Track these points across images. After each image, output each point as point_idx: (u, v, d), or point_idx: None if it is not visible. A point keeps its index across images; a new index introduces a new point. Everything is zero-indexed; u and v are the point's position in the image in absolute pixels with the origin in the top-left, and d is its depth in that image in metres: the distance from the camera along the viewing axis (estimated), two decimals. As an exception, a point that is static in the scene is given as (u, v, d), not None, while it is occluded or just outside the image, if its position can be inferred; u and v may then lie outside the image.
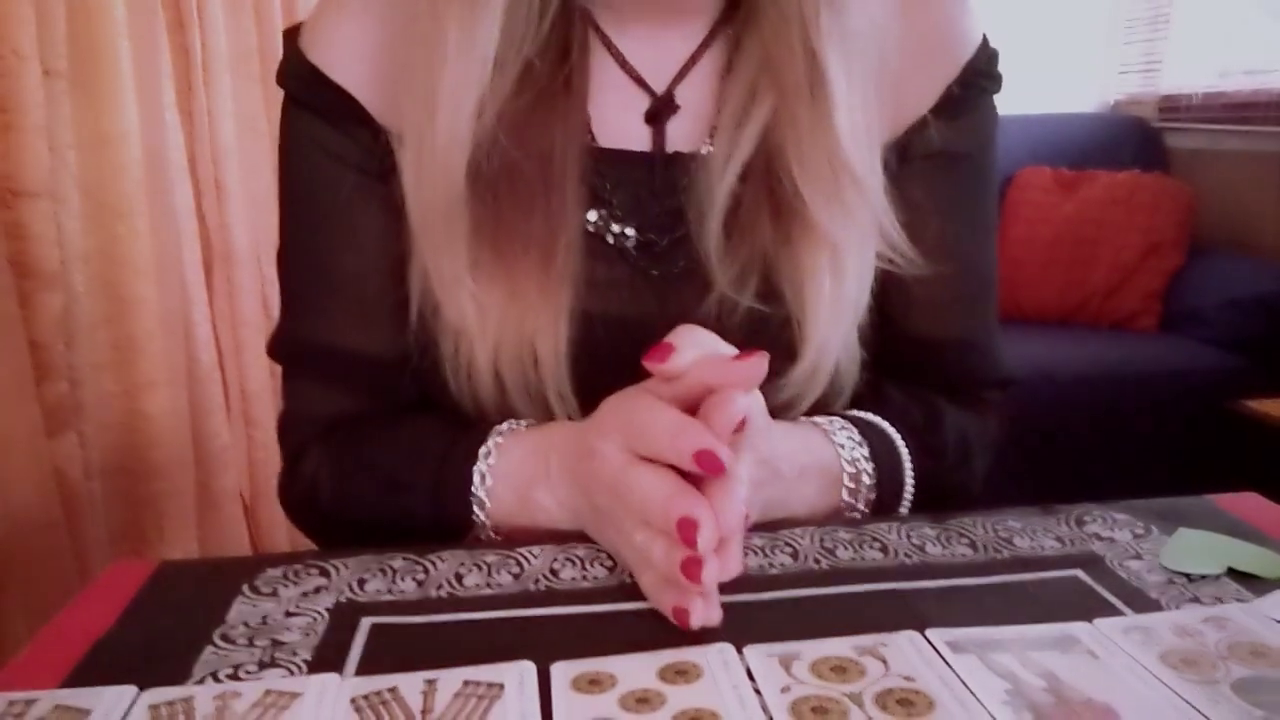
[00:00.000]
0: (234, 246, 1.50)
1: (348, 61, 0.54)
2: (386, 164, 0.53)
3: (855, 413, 0.56)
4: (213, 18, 1.43)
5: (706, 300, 0.53)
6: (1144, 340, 2.11)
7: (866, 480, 0.52)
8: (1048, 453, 1.83)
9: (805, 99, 0.51)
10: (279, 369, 0.60)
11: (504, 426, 0.52)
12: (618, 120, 0.55)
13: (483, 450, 0.51)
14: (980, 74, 0.58)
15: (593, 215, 0.54)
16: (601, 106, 0.55)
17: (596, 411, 0.46)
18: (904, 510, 0.54)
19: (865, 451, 0.53)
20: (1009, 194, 2.33)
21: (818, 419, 0.55)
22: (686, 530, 0.38)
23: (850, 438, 0.53)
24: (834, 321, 0.54)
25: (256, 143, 1.53)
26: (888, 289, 0.58)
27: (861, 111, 0.52)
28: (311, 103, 0.55)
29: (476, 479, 0.50)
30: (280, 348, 0.59)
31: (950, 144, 0.57)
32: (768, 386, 0.53)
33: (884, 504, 0.53)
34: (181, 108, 1.41)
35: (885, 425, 0.55)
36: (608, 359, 0.52)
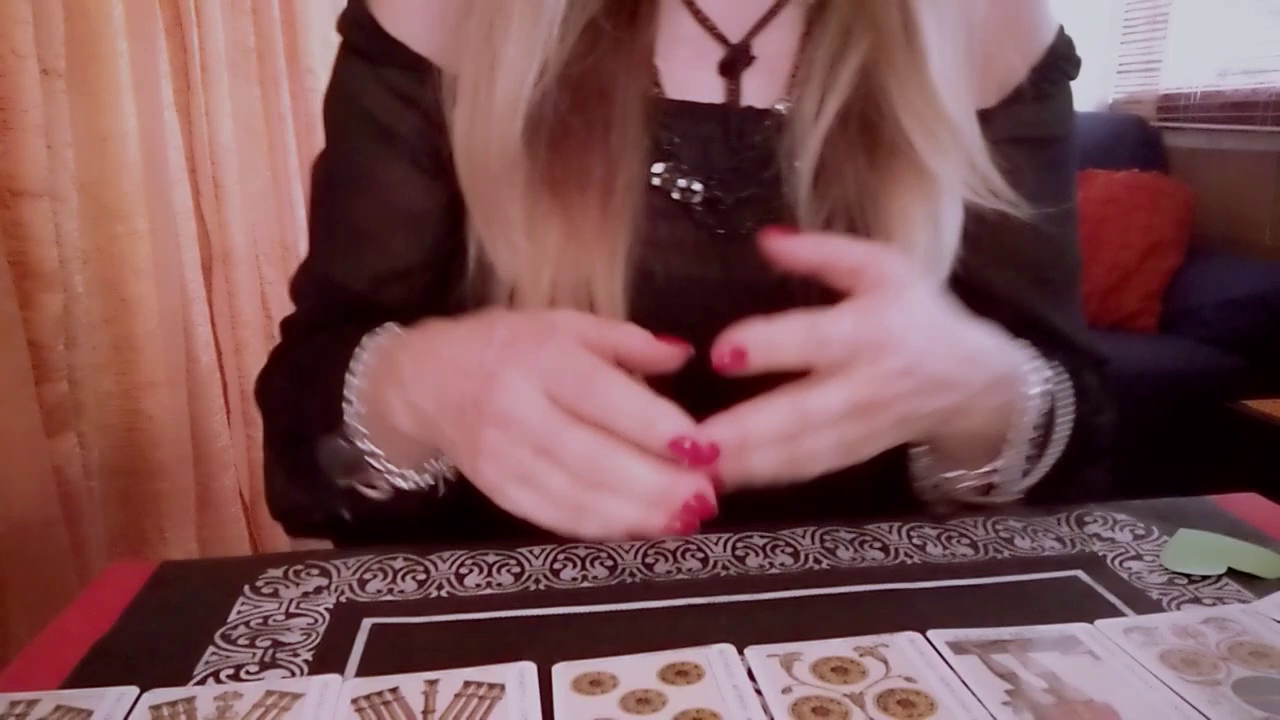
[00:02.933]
0: (233, 246, 1.50)
1: (408, 15, 0.53)
2: (433, 120, 0.52)
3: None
4: (211, 17, 1.43)
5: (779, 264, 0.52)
6: (1143, 340, 2.11)
7: (1037, 416, 0.48)
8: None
9: (901, 43, 0.51)
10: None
11: (373, 341, 0.50)
12: (689, 73, 0.55)
13: (357, 350, 0.49)
14: (1063, 56, 0.58)
15: (659, 168, 0.53)
16: (672, 59, 0.54)
17: (489, 322, 0.45)
18: (1052, 452, 0.50)
19: (1045, 376, 0.49)
20: (1008, 193, 2.33)
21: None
22: (683, 449, 0.40)
23: (1037, 364, 0.49)
24: (929, 269, 0.52)
25: (255, 142, 1.53)
26: (979, 271, 0.57)
27: (954, 64, 0.52)
28: (361, 47, 0.55)
29: (349, 378, 0.48)
30: (298, 285, 0.59)
31: (1041, 128, 0.57)
32: None
33: (1039, 447, 0.50)
34: (180, 107, 1.41)
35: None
36: (671, 321, 0.50)
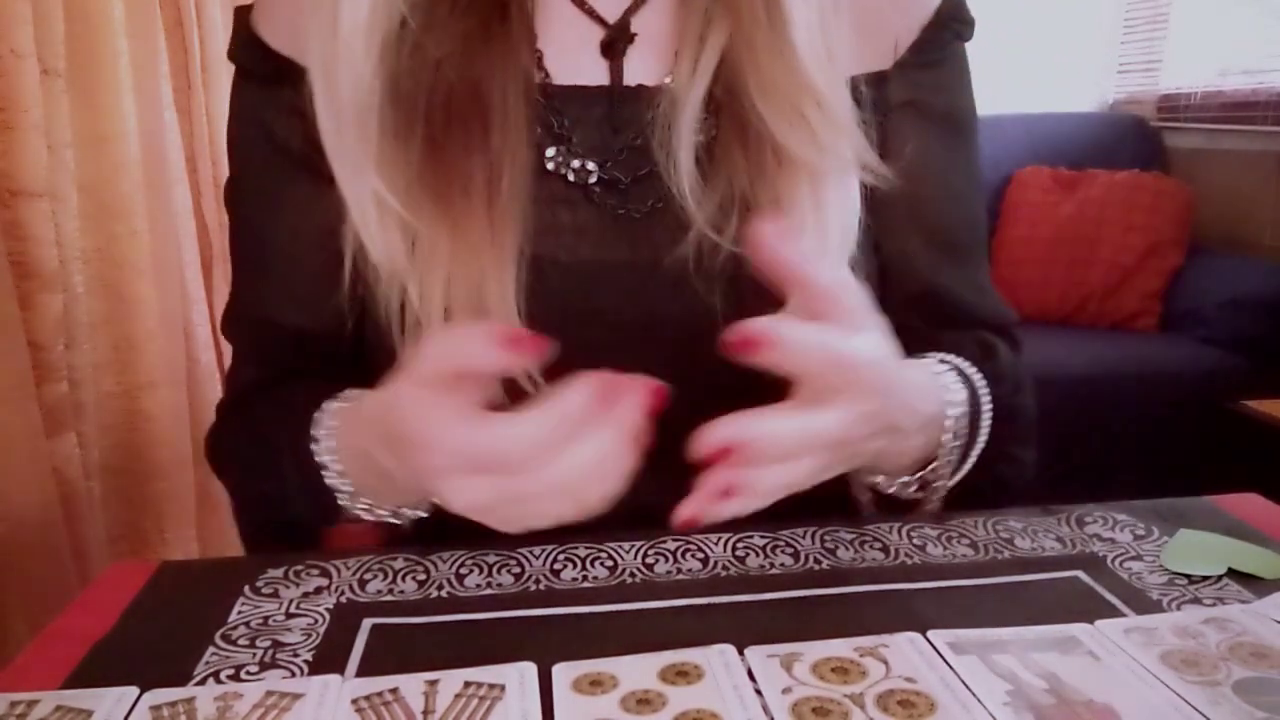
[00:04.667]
0: (233, 246, 1.50)
1: (288, 29, 0.53)
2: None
3: (938, 355, 0.54)
4: (211, 17, 1.43)
5: (683, 242, 0.51)
6: (1144, 340, 2.11)
7: (960, 425, 0.50)
8: (1048, 453, 1.83)
9: (761, 21, 0.50)
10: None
11: (332, 405, 0.49)
12: (572, 56, 0.54)
13: (318, 433, 0.48)
14: (952, 17, 0.57)
15: (551, 152, 0.53)
16: (554, 43, 0.54)
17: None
18: (979, 445, 0.51)
19: (961, 397, 0.50)
20: (1008, 194, 2.33)
21: (923, 362, 0.52)
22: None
23: (952, 382, 0.50)
24: (820, 251, 0.51)
25: (256, 142, 1.53)
26: (888, 244, 0.57)
27: (821, 34, 0.51)
28: (252, 69, 0.55)
29: (327, 460, 0.48)
30: (228, 326, 0.59)
31: (935, 91, 0.57)
32: None
33: (964, 446, 0.51)
34: (180, 107, 1.41)
35: (963, 363, 0.52)
36: (580, 308, 0.50)
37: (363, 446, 0.46)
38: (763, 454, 0.39)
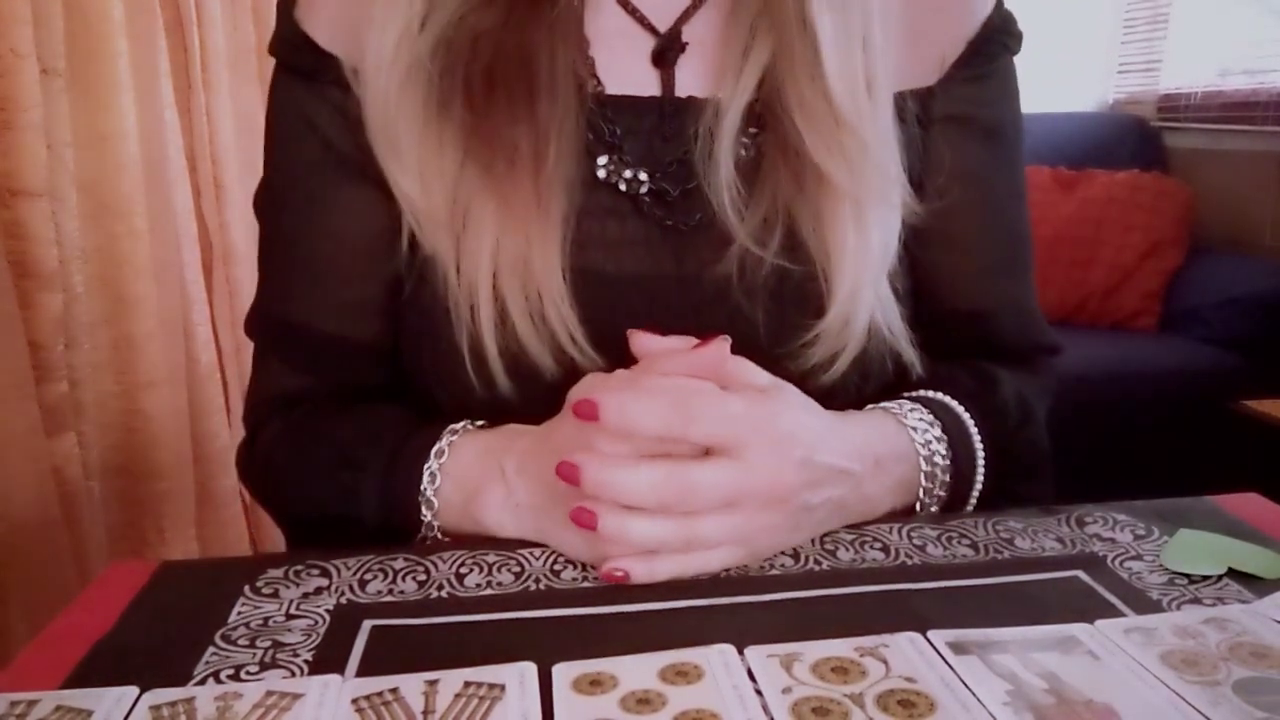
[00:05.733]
0: (233, 246, 1.50)
1: (333, 25, 0.53)
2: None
3: (916, 392, 0.54)
4: (211, 16, 1.43)
5: (727, 256, 0.51)
6: (1143, 340, 2.11)
7: (941, 461, 0.51)
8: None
9: (799, 42, 0.50)
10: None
11: (458, 425, 0.51)
12: (624, 65, 0.54)
13: (435, 449, 0.49)
14: (1000, 30, 0.57)
15: (602, 160, 0.53)
16: (604, 50, 0.54)
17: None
18: (978, 484, 0.52)
19: (938, 431, 0.51)
20: (1008, 193, 2.33)
21: (885, 404, 0.53)
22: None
23: (921, 418, 0.51)
24: (860, 272, 0.51)
25: (255, 142, 1.52)
26: (928, 259, 0.57)
27: (861, 56, 0.50)
28: (297, 66, 0.54)
29: (426, 479, 0.49)
30: (253, 324, 0.58)
31: (981, 106, 0.57)
32: (801, 346, 0.51)
33: (959, 481, 0.51)
34: (180, 107, 1.41)
35: (945, 398, 0.53)
36: (625, 322, 0.50)
37: (484, 476, 0.48)
38: (631, 495, 0.41)
